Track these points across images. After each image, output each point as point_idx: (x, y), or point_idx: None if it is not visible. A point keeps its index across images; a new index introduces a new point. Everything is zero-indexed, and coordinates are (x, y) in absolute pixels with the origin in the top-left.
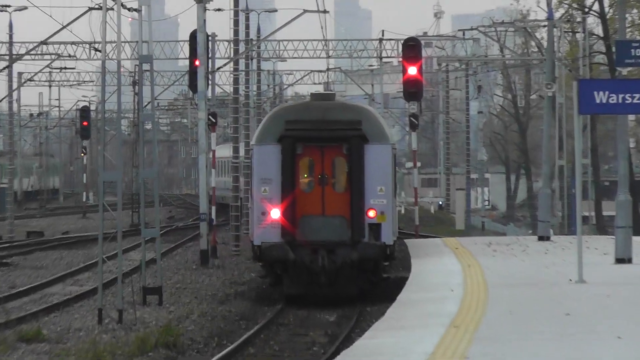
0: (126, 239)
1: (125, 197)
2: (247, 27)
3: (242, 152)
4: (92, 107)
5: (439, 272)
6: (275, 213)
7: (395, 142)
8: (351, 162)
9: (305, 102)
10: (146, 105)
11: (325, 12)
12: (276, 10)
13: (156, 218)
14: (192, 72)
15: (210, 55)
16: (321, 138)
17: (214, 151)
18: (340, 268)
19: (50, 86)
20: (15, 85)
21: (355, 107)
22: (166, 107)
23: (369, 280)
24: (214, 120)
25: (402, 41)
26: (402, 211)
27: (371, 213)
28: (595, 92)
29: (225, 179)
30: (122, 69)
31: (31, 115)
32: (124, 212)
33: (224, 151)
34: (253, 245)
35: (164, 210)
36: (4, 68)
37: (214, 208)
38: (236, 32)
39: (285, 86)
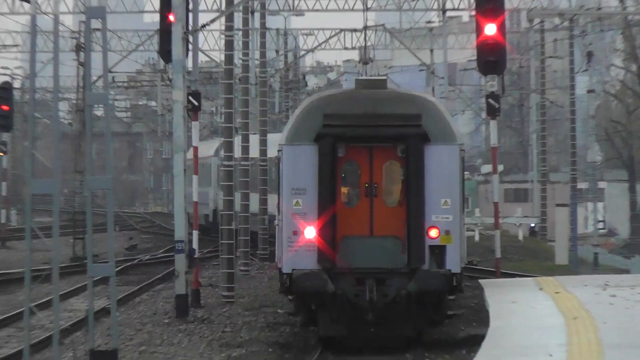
0: (66, 279)
1: (65, 217)
2: None
3: (237, 151)
4: (16, 84)
5: (530, 328)
6: (310, 232)
7: (463, 143)
8: (408, 167)
9: (349, 91)
10: (96, 82)
11: None
12: None
13: (110, 248)
14: (164, 31)
15: (191, 7)
16: (370, 137)
17: (196, 149)
18: (393, 302)
19: None
20: None
21: (414, 98)
22: (125, 85)
23: (430, 318)
24: (196, 104)
25: None
26: (476, 237)
27: (433, 233)
28: None
29: (211, 189)
30: (60, 28)
31: None
32: (62, 239)
33: (210, 149)
34: (281, 273)
35: (121, 237)
36: None
37: (195, 233)
38: None
39: (303, 52)
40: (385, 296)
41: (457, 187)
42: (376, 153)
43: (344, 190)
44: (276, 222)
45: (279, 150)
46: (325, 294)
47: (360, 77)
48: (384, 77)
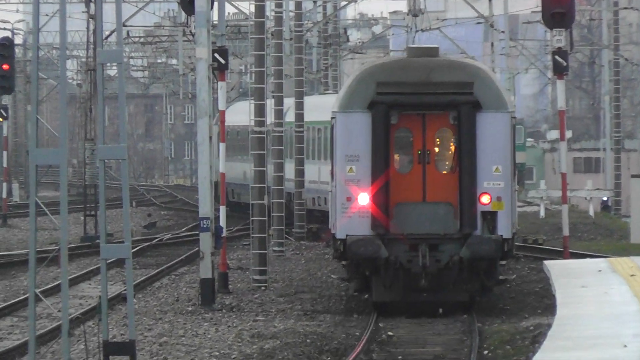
0: (75, 262)
1: (74, 191)
2: None
3: (270, 116)
4: (18, 40)
5: (602, 316)
6: (364, 199)
7: (514, 110)
8: (460, 134)
9: (402, 59)
10: (108, 37)
11: None
12: None
13: (125, 226)
14: None
15: None
16: (422, 104)
17: (222, 113)
18: (445, 268)
19: None
20: None
21: (466, 65)
22: (142, 40)
23: (482, 283)
24: (222, 62)
25: None
26: (542, 213)
27: (485, 199)
28: None
29: (241, 161)
30: None
31: None
32: (71, 216)
33: (240, 114)
34: (335, 239)
35: (138, 214)
36: None
37: (223, 209)
38: None
39: (344, 3)
40: (438, 262)
41: (508, 154)
42: (429, 120)
43: (396, 157)
44: (330, 187)
45: (332, 118)
46: (378, 259)
47: (411, 45)
48: (436, 46)
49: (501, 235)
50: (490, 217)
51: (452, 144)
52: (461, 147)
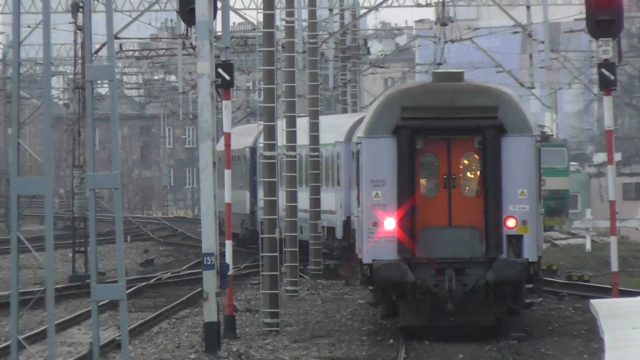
0: (63, 304)
1: (61, 224)
2: None
3: (280, 138)
4: None
5: None
6: (390, 223)
7: (539, 134)
8: (485, 158)
9: (426, 84)
10: (98, 51)
11: None
12: None
13: (119, 264)
14: None
15: None
16: (447, 129)
17: (228, 136)
18: (472, 292)
19: None
20: None
21: (490, 90)
22: (137, 54)
23: (509, 307)
24: (227, 78)
25: None
26: (588, 246)
27: (510, 222)
28: None
29: (247, 189)
30: None
31: None
32: (58, 253)
33: (247, 136)
34: (361, 264)
35: (134, 250)
36: None
37: (229, 244)
38: None
39: (364, 10)
40: (465, 285)
41: (533, 178)
42: (454, 145)
43: (422, 181)
44: (356, 214)
45: (357, 143)
46: (405, 284)
47: (437, 70)
48: (460, 70)
49: (527, 259)
50: (515, 240)
51: (477, 168)
52: (486, 171)
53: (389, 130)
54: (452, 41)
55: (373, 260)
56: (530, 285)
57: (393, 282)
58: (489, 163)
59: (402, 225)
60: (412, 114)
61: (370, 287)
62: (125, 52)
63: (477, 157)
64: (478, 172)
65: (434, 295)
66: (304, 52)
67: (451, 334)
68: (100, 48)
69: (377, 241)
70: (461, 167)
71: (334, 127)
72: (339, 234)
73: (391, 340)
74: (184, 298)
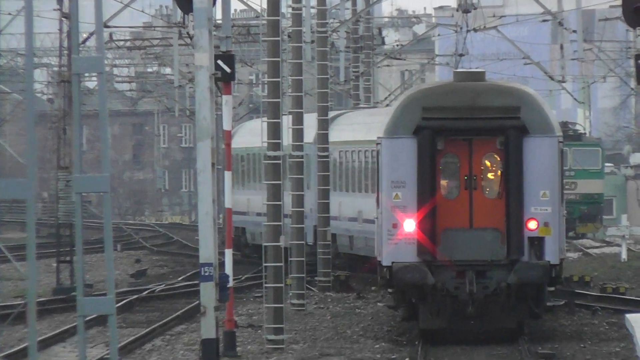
0: (47, 319)
1: (45, 232)
2: None
3: (286, 137)
4: None
5: None
6: (410, 225)
7: (561, 134)
8: (507, 159)
9: (448, 84)
10: (85, 40)
11: None
12: None
13: (109, 275)
14: None
15: None
16: (468, 129)
17: (228, 134)
18: (493, 295)
19: None
20: None
21: (512, 90)
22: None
23: (530, 310)
24: (228, 71)
25: None
26: (624, 255)
27: (532, 224)
28: None
29: (251, 192)
30: None
31: None
32: (41, 263)
33: (251, 135)
34: (381, 267)
35: (125, 259)
36: None
37: (229, 253)
38: None
39: None
40: (486, 288)
41: (556, 179)
42: (475, 145)
43: (443, 182)
44: (376, 214)
45: (377, 144)
46: (425, 286)
47: (458, 70)
48: (482, 70)
49: (549, 261)
50: (537, 242)
51: (498, 169)
52: (508, 172)
53: (410, 130)
54: (475, 30)
55: (392, 262)
56: (552, 289)
57: (413, 285)
58: (511, 164)
59: (422, 227)
60: (433, 114)
61: (390, 290)
62: (116, 42)
63: (498, 158)
64: (499, 173)
65: (454, 298)
66: (313, 42)
67: (472, 337)
68: (88, 37)
69: (397, 243)
70: (482, 168)
71: (309, 126)
72: (309, 239)
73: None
74: (179, 312)
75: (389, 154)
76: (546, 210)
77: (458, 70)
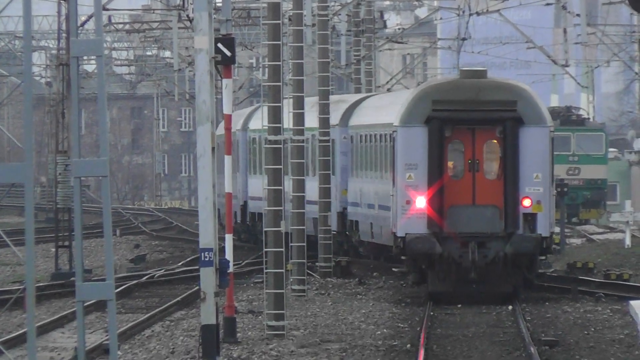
0: (45, 305)
1: (43, 216)
2: None
3: (287, 120)
4: None
5: None
6: (421, 202)
7: (552, 124)
8: (505, 146)
9: (455, 80)
10: (84, 23)
11: None
12: None
13: (108, 260)
14: None
15: None
16: (472, 120)
17: (228, 118)
18: (492, 263)
19: None
20: None
21: (510, 86)
22: (127, 28)
23: (524, 276)
24: (228, 54)
25: None
26: (627, 242)
27: (526, 202)
28: None
29: (253, 176)
30: None
31: None
32: (39, 248)
33: (254, 119)
34: (395, 237)
35: (124, 244)
36: None
37: (229, 238)
38: None
39: None
40: (486, 257)
41: (547, 163)
42: (478, 134)
43: (450, 165)
44: (391, 192)
45: (393, 131)
46: (433, 255)
47: (464, 68)
48: (484, 69)
49: (540, 234)
50: (531, 218)
51: (498, 154)
52: (506, 157)
53: (422, 120)
54: (477, 14)
55: (406, 233)
56: (543, 258)
57: (423, 253)
58: (508, 150)
59: (431, 203)
60: (442, 106)
61: (403, 257)
62: (115, 25)
63: (498, 144)
64: (499, 158)
65: (458, 265)
66: (314, 25)
67: (473, 299)
68: (87, 20)
69: (410, 217)
70: (484, 153)
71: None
72: (334, 226)
73: (415, 320)
74: (179, 298)
75: (403, 140)
76: (539, 190)
77: (463, 68)
